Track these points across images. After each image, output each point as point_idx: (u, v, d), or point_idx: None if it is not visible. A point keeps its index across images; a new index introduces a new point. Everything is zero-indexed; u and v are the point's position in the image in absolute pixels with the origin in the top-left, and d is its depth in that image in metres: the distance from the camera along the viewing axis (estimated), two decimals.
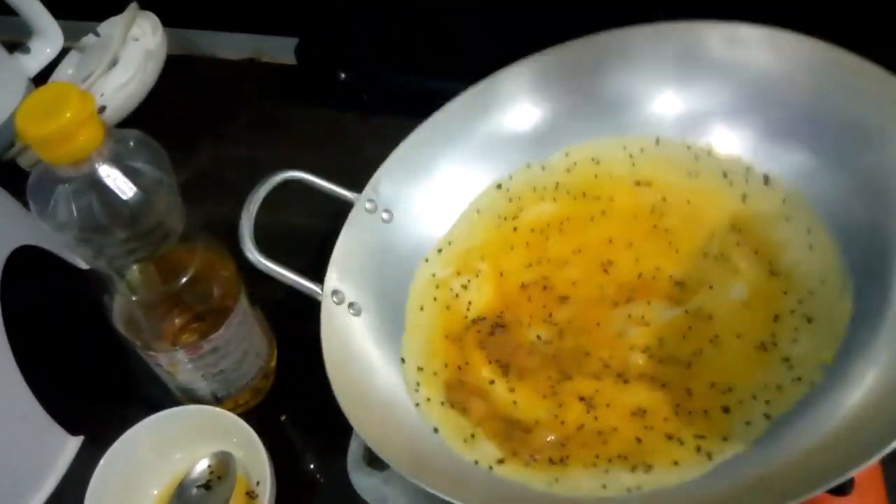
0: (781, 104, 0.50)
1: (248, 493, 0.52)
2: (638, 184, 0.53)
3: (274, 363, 0.58)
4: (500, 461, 0.44)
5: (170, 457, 0.53)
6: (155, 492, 0.52)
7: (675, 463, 0.41)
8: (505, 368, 0.48)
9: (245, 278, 0.51)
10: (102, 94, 0.70)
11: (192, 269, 0.47)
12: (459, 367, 0.49)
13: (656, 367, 0.46)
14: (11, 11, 0.72)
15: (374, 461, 0.47)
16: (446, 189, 0.56)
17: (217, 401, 0.54)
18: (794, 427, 0.40)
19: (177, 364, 0.50)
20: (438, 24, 0.71)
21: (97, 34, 0.76)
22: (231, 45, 0.77)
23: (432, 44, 0.72)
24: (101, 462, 0.49)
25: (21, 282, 0.54)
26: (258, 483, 0.51)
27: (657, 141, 0.54)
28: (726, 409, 0.43)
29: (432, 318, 0.52)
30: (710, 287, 0.47)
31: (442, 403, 0.47)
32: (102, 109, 0.70)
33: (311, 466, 0.55)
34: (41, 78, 0.75)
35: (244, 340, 0.52)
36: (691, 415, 0.43)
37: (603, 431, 0.44)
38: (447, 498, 0.37)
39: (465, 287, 0.52)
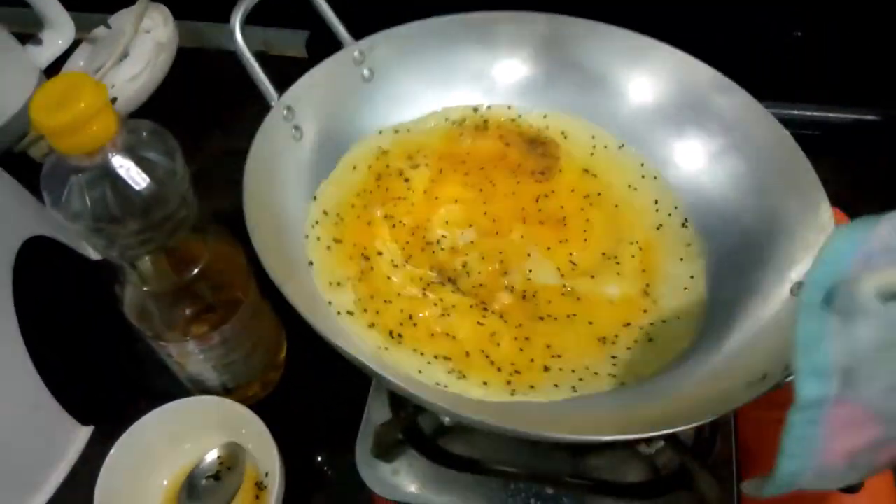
0: (731, 172, 0.53)
1: (257, 485, 0.52)
2: (586, 171, 0.56)
3: (283, 355, 0.58)
4: (349, 312, 0.46)
5: (180, 447, 0.53)
6: (165, 482, 0.53)
7: (485, 383, 0.45)
8: (397, 250, 0.50)
9: (255, 271, 0.51)
10: (113, 86, 0.71)
11: (204, 260, 0.47)
12: (359, 229, 0.51)
13: (514, 308, 0.48)
14: (23, 3, 0.72)
15: (382, 453, 0.48)
16: (430, 87, 0.57)
17: (227, 392, 0.54)
18: (589, 406, 0.44)
19: (187, 355, 0.50)
20: None
21: (108, 26, 0.77)
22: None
23: None
24: (112, 452, 0.50)
25: (32, 272, 0.54)
26: (267, 474, 0.51)
27: (621, 146, 0.57)
28: (546, 368, 0.46)
29: (359, 182, 0.53)
30: (593, 277, 0.51)
31: (328, 248, 0.49)
32: (113, 101, 0.70)
33: (320, 458, 0.56)
34: (52, 70, 0.75)
35: (254, 332, 0.53)
36: (521, 353, 0.46)
37: (448, 333, 0.47)
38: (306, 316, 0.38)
39: (401, 174, 0.54)
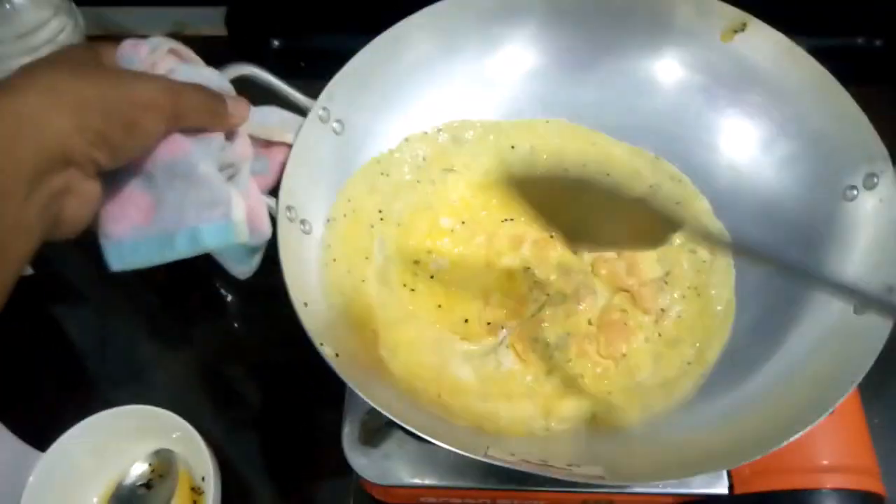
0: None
1: (193, 489, 0.51)
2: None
3: None
4: None
5: (107, 461, 0.52)
6: (95, 499, 0.52)
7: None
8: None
9: None
10: None
11: None
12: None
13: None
14: None
15: (370, 439, 0.48)
16: (404, 106, 0.55)
17: None
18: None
19: None
20: None
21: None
22: (151, 20, 0.71)
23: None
24: (31, 479, 0.48)
25: None
26: (203, 479, 0.50)
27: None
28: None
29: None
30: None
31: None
32: None
33: (258, 461, 0.56)
34: None
35: None
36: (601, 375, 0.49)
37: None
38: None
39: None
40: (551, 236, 0.53)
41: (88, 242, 0.40)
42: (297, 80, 0.50)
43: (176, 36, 0.74)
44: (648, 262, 0.52)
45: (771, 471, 0.46)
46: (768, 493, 0.46)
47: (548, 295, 0.51)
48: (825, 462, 0.46)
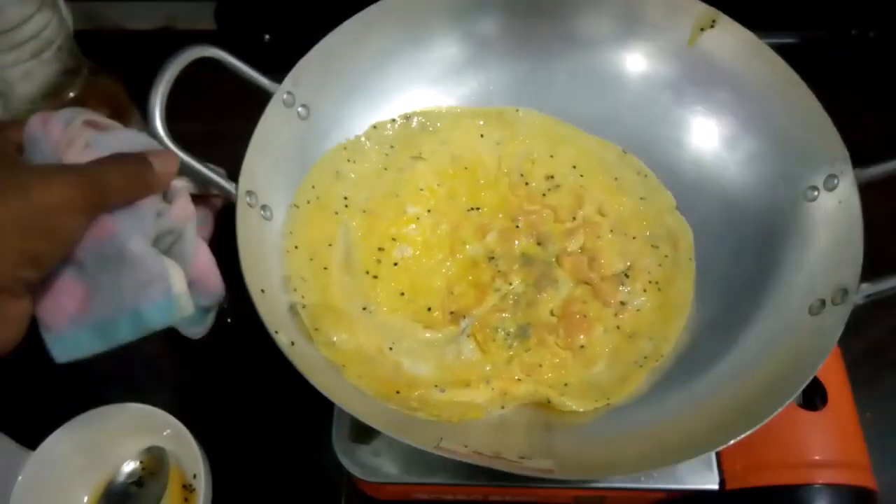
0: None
1: (185, 487, 0.51)
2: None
3: None
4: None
5: (97, 459, 0.51)
6: (85, 498, 0.51)
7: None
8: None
9: None
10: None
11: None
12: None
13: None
14: None
15: (360, 436, 0.48)
16: (371, 92, 0.55)
17: None
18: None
19: None
20: None
21: None
22: (141, 14, 0.69)
23: None
24: (19, 478, 0.48)
25: None
26: (195, 476, 0.51)
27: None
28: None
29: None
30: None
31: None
32: None
33: (251, 459, 0.56)
34: None
35: None
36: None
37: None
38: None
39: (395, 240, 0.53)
40: (517, 226, 0.53)
41: None
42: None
43: (168, 30, 0.74)
44: (611, 255, 0.52)
45: (762, 466, 0.47)
46: (760, 489, 0.46)
47: (511, 284, 0.51)
48: (817, 457, 0.46)
